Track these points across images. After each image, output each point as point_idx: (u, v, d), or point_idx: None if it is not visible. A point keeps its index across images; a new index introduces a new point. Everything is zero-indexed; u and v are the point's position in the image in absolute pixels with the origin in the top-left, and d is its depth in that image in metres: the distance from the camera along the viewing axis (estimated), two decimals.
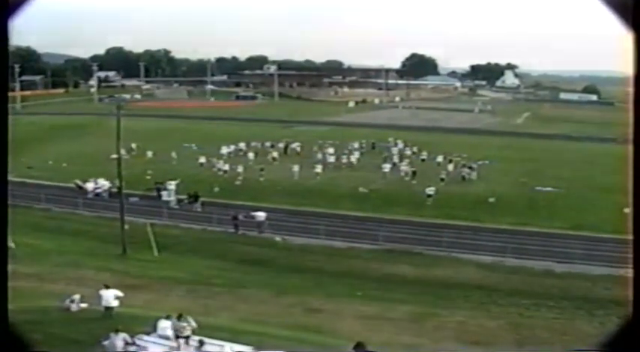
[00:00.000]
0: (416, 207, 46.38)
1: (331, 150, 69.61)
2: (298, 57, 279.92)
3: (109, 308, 21.32)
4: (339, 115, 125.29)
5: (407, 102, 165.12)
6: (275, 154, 68.66)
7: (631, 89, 3.68)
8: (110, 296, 21.36)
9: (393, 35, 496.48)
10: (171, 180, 48.92)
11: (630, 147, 4.06)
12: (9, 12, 3.53)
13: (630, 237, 4.78)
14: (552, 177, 58.64)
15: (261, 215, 40.13)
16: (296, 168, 58.10)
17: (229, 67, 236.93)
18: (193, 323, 18.34)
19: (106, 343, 17.67)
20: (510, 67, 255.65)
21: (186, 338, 18.01)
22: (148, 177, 54.28)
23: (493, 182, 56.43)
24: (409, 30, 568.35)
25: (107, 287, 21.88)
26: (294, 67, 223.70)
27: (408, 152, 71.42)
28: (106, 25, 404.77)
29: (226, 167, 59.83)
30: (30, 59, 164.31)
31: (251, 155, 67.51)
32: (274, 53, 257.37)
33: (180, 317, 18.44)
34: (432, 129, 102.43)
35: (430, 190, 48.84)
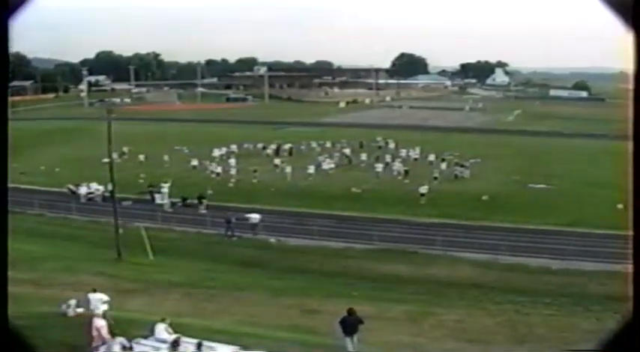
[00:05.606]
0: (409, 206, 46.41)
1: (324, 151, 69.57)
2: (288, 58, 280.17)
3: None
4: (330, 116, 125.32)
5: (397, 101, 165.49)
6: (267, 156, 68.55)
7: (631, 87, 3.72)
8: (98, 300, 21.30)
9: (382, 34, 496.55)
10: (164, 183, 48.84)
11: (625, 144, 4.10)
12: (9, 12, 3.52)
13: (627, 232, 4.82)
14: (545, 174, 58.90)
15: (255, 217, 40.09)
16: (289, 169, 58.13)
17: (219, 69, 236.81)
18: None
19: (103, 347, 17.62)
20: (500, 64, 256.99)
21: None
22: (141, 181, 54.23)
23: (486, 180, 56.60)
24: (398, 29, 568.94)
25: (94, 290, 21.84)
26: (283, 68, 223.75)
27: (400, 151, 71.40)
28: (95, 29, 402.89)
29: (219, 169, 59.71)
30: (19, 64, 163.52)
31: (241, 157, 67.29)
32: (264, 55, 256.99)
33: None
34: (424, 128, 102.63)
35: (423, 189, 48.88)
